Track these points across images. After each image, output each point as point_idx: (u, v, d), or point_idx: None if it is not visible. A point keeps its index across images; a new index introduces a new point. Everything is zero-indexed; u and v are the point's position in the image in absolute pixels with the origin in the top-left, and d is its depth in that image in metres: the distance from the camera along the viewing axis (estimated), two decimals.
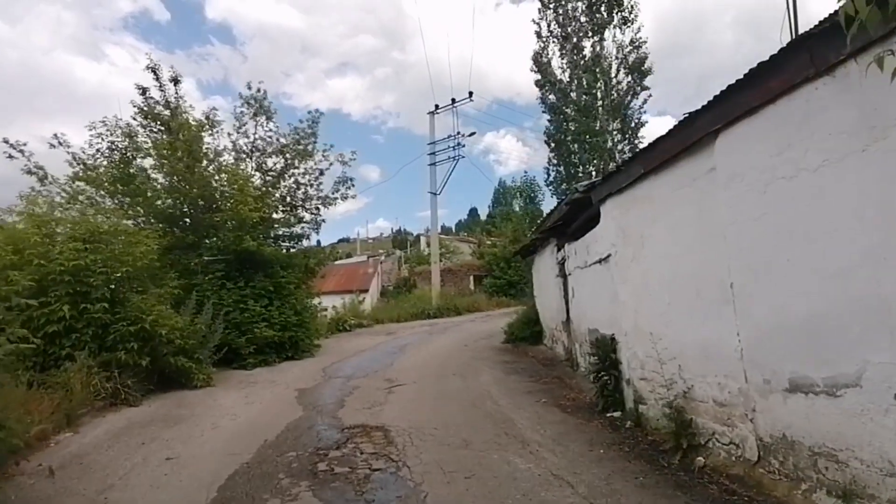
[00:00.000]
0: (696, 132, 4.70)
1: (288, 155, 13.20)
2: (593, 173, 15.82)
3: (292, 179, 13.57)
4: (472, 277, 35.32)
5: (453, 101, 28.62)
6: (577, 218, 8.98)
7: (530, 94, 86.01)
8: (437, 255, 28.90)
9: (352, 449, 5.58)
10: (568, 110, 16.46)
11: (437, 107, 29.31)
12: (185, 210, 12.52)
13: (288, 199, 13.60)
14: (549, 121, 17.71)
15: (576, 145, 16.43)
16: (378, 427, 6.40)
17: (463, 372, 10.18)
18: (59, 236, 8.42)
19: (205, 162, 12.53)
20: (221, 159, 12.78)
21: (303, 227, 13.87)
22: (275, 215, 13.60)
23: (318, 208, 13.82)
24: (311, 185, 13.66)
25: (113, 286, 8.03)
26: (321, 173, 13.68)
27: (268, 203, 12.36)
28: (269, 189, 13.06)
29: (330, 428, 6.46)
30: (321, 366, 11.49)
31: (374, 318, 23.60)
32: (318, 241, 22.10)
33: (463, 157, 28.76)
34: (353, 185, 13.77)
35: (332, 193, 13.83)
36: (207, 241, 11.79)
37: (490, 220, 70.51)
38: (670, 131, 5.10)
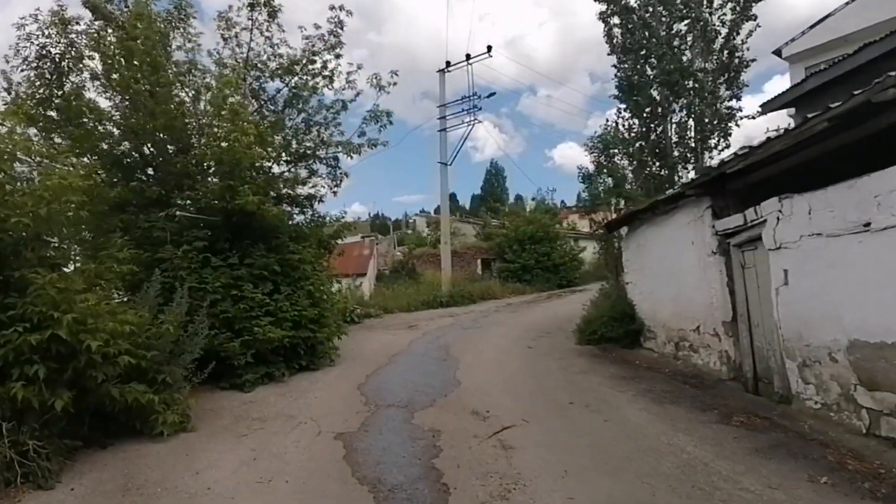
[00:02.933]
0: None
1: (297, 78, 9.21)
2: (689, 122, 12.29)
3: (301, 117, 9.61)
4: (479, 261, 31.75)
5: (468, 56, 24.85)
6: (782, 157, 5.51)
7: (506, 81, 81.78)
8: (447, 235, 25.18)
9: None
10: (649, 46, 12.83)
11: (448, 64, 25.47)
12: (148, 152, 8.53)
13: (294, 144, 9.65)
14: (614, 66, 14.05)
15: (657, 91, 12.82)
16: None
17: (583, 398, 6.61)
18: None
19: (177, 85, 8.52)
20: (201, 78, 8.72)
21: (315, 186, 9.95)
22: (276, 168, 9.68)
23: (336, 158, 9.90)
24: (328, 125, 9.72)
25: None
26: (343, 106, 9.73)
27: (270, 144, 8.42)
28: (269, 129, 9.08)
29: None
30: (354, 382, 7.78)
31: (381, 307, 19.94)
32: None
33: (479, 121, 25.12)
34: (389, 122, 9.86)
35: (358, 137, 9.90)
36: (180, 195, 7.87)
37: (482, 200, 67.01)
38: None
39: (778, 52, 25.90)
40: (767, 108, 9.69)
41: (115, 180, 8.15)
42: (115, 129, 8.37)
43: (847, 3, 27.21)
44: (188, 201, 8.13)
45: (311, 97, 9.49)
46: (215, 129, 8.11)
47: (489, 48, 24.11)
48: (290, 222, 9.39)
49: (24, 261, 4.67)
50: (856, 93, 4.32)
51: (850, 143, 5.08)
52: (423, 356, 9.98)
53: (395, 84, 9.76)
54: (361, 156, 10.28)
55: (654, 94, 13.20)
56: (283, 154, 9.57)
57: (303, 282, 8.47)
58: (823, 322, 5.14)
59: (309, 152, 9.63)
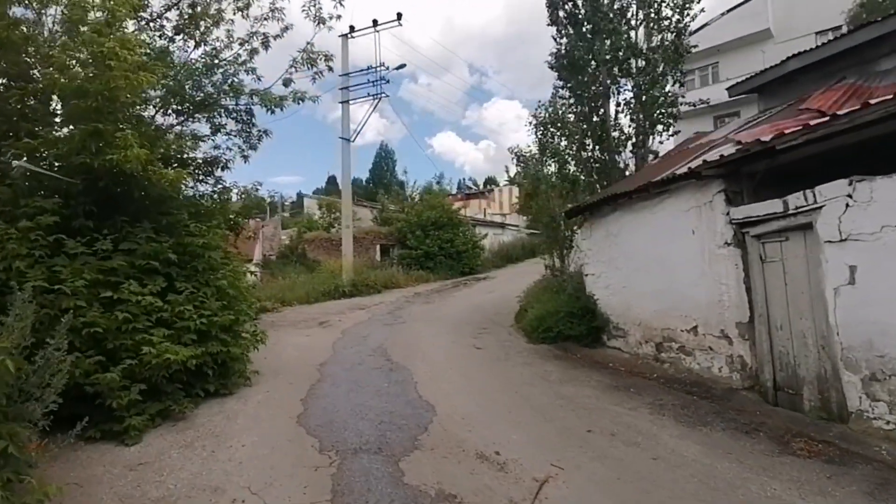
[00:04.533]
0: None
1: None
2: (636, 105, 11.58)
3: (199, 51, 7.05)
4: (378, 247, 29.80)
5: (375, 23, 22.66)
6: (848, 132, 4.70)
7: (389, 64, 79.80)
8: (349, 219, 22.81)
9: None
10: (595, 20, 11.95)
11: (352, 28, 22.96)
12: None
13: (188, 88, 7.05)
14: (553, 37, 13.00)
15: (598, 70, 11.99)
16: None
17: (598, 423, 5.33)
18: None
19: None
20: None
21: (218, 147, 7.44)
22: (160, 118, 7.06)
23: (250, 112, 7.46)
24: (238, 67, 7.24)
25: None
26: (265, 43, 7.29)
27: (160, 78, 5.85)
28: (152, 63, 6.41)
29: None
30: (288, 411, 5.72)
31: (278, 299, 17.36)
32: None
33: (386, 94, 23.10)
34: (330, 68, 7.59)
35: (284, 85, 7.48)
36: (15, 144, 5.09)
37: (370, 184, 64.12)
38: None
39: None
40: (734, 91, 9.18)
41: None
42: None
43: (722, 14, 29.25)
44: (24, 156, 5.35)
45: (214, 27, 6.96)
46: (67, 57, 5.37)
47: (399, 15, 22.03)
48: (187, 193, 6.86)
49: None
50: None
51: None
52: (362, 365, 8.07)
53: (339, 17, 7.53)
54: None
55: (596, 70, 12.40)
56: (172, 101, 6.95)
57: (209, 274, 6.11)
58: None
59: (210, 100, 7.09)
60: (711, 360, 6.63)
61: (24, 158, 5.39)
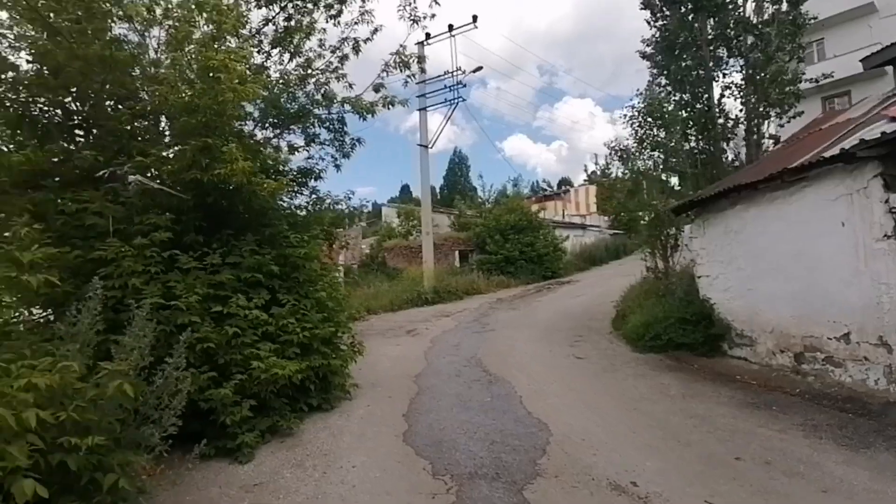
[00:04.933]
0: None
1: (292, 4, 6.62)
2: (737, 83, 10.44)
3: (294, 63, 7.06)
4: (456, 253, 29.60)
5: (451, 27, 22.47)
6: None
7: (463, 68, 79.64)
8: (429, 226, 22.76)
9: None
10: (688, 5, 10.96)
11: (428, 35, 22.86)
12: (75, 107, 5.83)
13: (283, 100, 7.09)
14: (647, 21, 12.09)
15: (703, 50, 10.95)
16: None
17: (745, 449, 4.60)
18: None
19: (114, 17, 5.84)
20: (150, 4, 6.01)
21: (311, 157, 7.44)
22: (258, 132, 7.13)
23: (342, 121, 7.39)
24: (330, 76, 7.20)
25: None
26: (356, 48, 7.21)
27: (260, 92, 5.84)
28: (254, 77, 6.45)
29: None
30: (392, 429, 5.46)
31: (363, 308, 17.50)
32: None
33: (463, 99, 22.71)
34: (422, 69, 7.40)
35: (375, 91, 7.38)
36: (130, 162, 5.24)
37: (445, 191, 64.46)
38: None
39: None
40: (869, 62, 8.00)
41: (19, 139, 5.45)
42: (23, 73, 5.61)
43: None
44: (136, 174, 5.48)
45: (308, 36, 6.95)
46: (177, 75, 5.46)
47: (475, 18, 21.67)
48: (285, 202, 6.87)
49: None
50: None
51: None
52: (459, 377, 7.73)
53: (433, 16, 7.34)
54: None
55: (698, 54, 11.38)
56: (270, 114, 7.00)
57: (309, 286, 6.02)
58: None
59: (304, 112, 7.08)
60: (867, 371, 5.65)
61: (137, 176, 5.56)
